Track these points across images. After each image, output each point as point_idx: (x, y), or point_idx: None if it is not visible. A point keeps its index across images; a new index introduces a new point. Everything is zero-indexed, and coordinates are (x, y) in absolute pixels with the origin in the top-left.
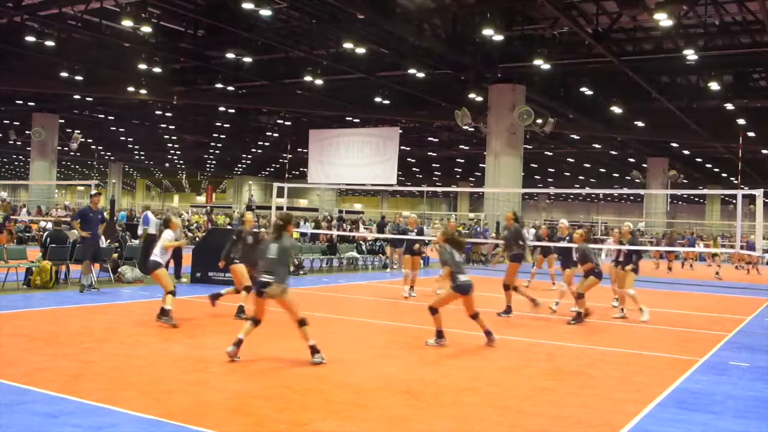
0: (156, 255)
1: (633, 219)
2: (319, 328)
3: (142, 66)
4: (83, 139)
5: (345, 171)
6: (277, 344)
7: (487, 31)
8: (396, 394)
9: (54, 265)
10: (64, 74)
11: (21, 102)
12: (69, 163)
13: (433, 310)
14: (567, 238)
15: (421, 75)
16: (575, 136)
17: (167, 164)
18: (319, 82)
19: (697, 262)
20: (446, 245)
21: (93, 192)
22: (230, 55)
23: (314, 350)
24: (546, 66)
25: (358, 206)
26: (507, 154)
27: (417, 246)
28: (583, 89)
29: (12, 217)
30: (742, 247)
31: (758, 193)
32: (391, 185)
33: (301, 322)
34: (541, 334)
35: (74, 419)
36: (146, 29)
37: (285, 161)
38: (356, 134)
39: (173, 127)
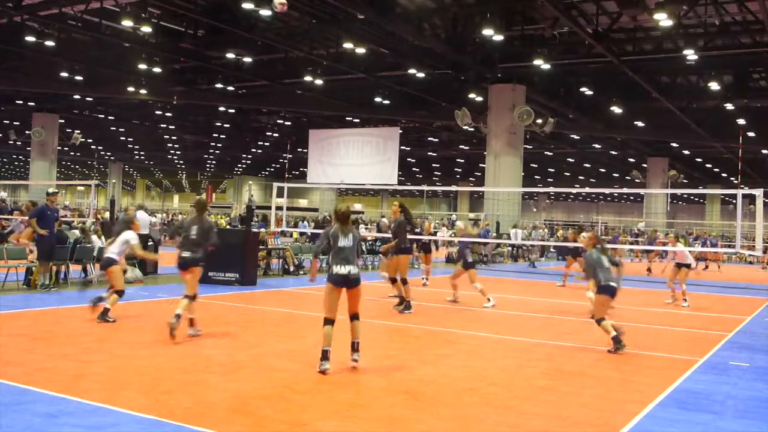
0: (113, 252)
1: (633, 219)
2: (319, 328)
3: (142, 66)
4: (83, 139)
5: (345, 171)
6: (277, 344)
7: (487, 31)
8: (396, 394)
9: (54, 264)
10: (64, 74)
11: (21, 102)
12: (69, 163)
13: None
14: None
15: (421, 75)
16: (575, 136)
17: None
18: (319, 82)
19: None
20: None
21: (50, 190)
22: (230, 55)
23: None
24: (546, 66)
25: (358, 206)
26: (507, 154)
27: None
28: (583, 89)
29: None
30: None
31: (758, 193)
32: (391, 185)
33: (189, 297)
34: (541, 334)
35: (74, 419)
36: (146, 29)
37: (285, 161)
38: (356, 134)
39: (173, 127)
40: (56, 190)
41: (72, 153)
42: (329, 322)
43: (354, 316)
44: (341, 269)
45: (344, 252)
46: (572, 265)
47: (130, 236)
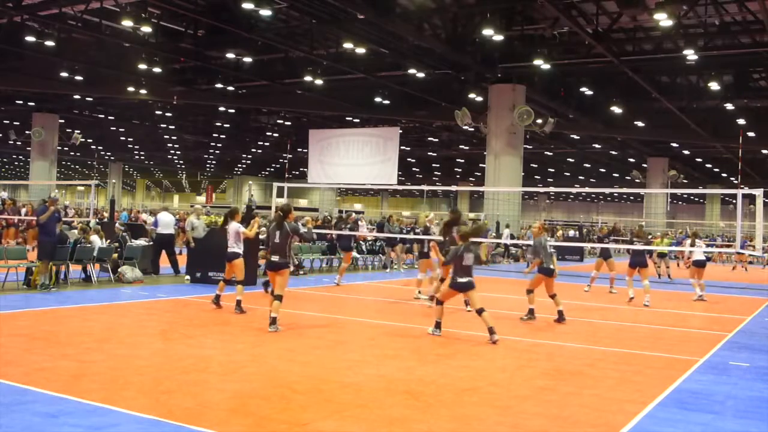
0: (233, 246)
1: (633, 219)
2: (319, 328)
3: (142, 66)
4: (83, 139)
5: (345, 171)
6: (277, 344)
7: (487, 31)
8: (396, 394)
9: (54, 264)
10: (64, 74)
11: (21, 102)
12: (69, 163)
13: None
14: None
15: (421, 75)
16: (575, 136)
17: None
18: (319, 82)
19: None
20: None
21: (52, 195)
22: (230, 55)
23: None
24: (546, 66)
25: (358, 206)
26: (507, 154)
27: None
28: (583, 89)
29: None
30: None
31: (758, 193)
32: (391, 185)
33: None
34: (541, 334)
35: (74, 419)
36: (146, 29)
37: (285, 161)
38: (356, 134)
39: (173, 127)
40: (57, 197)
41: (72, 153)
42: (440, 302)
43: (479, 311)
44: (461, 279)
45: (468, 267)
46: (602, 266)
47: (237, 226)
